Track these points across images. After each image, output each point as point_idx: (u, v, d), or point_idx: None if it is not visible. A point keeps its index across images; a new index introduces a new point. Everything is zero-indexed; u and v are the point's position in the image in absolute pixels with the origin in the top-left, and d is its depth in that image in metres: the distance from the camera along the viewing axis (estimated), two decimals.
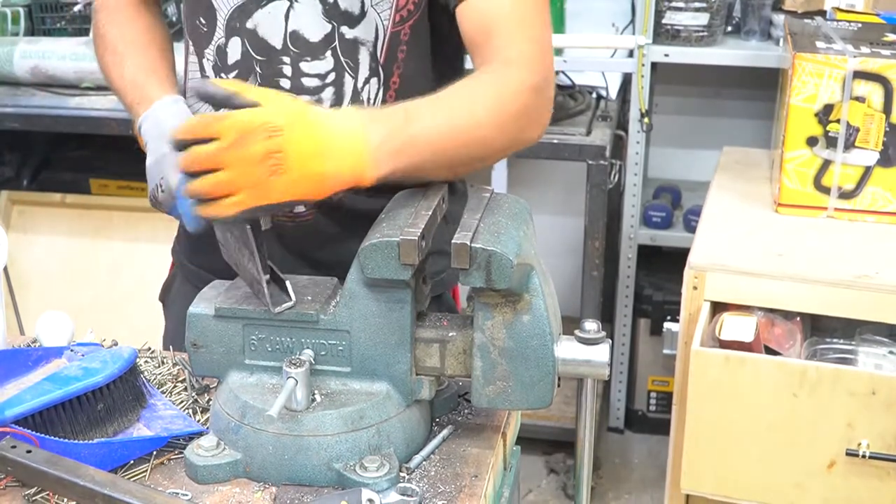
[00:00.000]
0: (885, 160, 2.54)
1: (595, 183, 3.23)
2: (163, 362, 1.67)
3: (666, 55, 3.43)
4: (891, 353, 2.34)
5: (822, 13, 3.10)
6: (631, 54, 3.44)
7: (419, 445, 1.44)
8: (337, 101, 1.67)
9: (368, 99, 1.68)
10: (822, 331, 2.43)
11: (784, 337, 2.35)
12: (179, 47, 1.81)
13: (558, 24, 3.55)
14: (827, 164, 2.55)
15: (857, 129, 2.51)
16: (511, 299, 1.36)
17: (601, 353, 1.39)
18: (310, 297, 1.43)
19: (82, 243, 3.56)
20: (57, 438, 1.37)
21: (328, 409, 1.37)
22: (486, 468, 1.42)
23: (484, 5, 1.57)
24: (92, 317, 2.83)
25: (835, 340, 2.39)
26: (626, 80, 3.60)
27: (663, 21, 3.43)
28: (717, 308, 2.40)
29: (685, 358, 2.38)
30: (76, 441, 1.40)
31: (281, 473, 1.37)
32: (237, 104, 1.35)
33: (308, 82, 1.66)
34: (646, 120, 3.46)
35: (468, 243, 1.31)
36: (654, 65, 3.45)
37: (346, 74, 1.66)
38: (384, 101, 1.68)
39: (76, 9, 3.43)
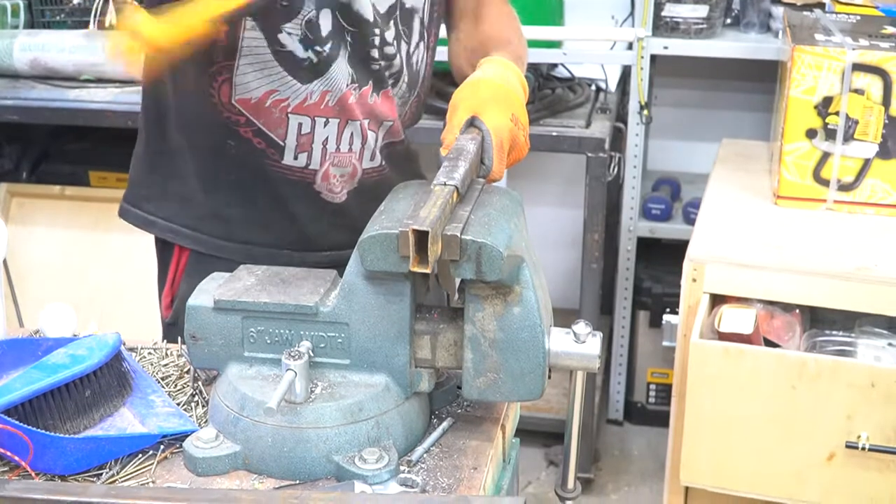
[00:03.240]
0: (884, 152, 2.54)
1: (594, 175, 3.23)
2: (167, 354, 1.67)
3: (665, 47, 3.43)
4: (890, 345, 2.34)
5: (821, 5, 3.10)
6: (630, 47, 3.43)
7: (418, 437, 1.45)
8: (400, 67, 1.81)
9: (417, 62, 1.85)
10: (821, 323, 2.43)
11: (783, 329, 2.35)
12: None
13: (558, 17, 3.55)
14: (826, 156, 2.56)
15: (857, 122, 2.51)
16: (502, 291, 1.36)
17: (591, 345, 1.40)
18: (309, 290, 1.43)
19: (81, 235, 3.55)
20: (45, 432, 1.37)
21: (327, 401, 1.38)
22: (486, 460, 1.42)
23: None
24: (91, 309, 2.83)
25: (834, 332, 2.38)
26: (626, 73, 3.59)
27: (662, 13, 3.42)
28: (717, 300, 2.40)
29: (684, 350, 2.38)
30: (64, 433, 1.40)
31: (280, 465, 1.37)
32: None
33: (388, 50, 1.78)
34: (645, 112, 3.46)
35: (458, 235, 1.31)
36: (653, 57, 3.45)
37: (403, 41, 1.80)
38: (426, 65, 1.88)
39: (75, 1, 3.43)
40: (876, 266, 2.31)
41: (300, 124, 1.77)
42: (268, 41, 1.72)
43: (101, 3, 3.29)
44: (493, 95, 1.63)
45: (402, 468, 1.39)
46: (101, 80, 3.26)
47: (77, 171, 3.76)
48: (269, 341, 1.43)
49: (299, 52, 1.73)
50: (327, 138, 1.78)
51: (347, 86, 1.76)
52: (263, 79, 1.74)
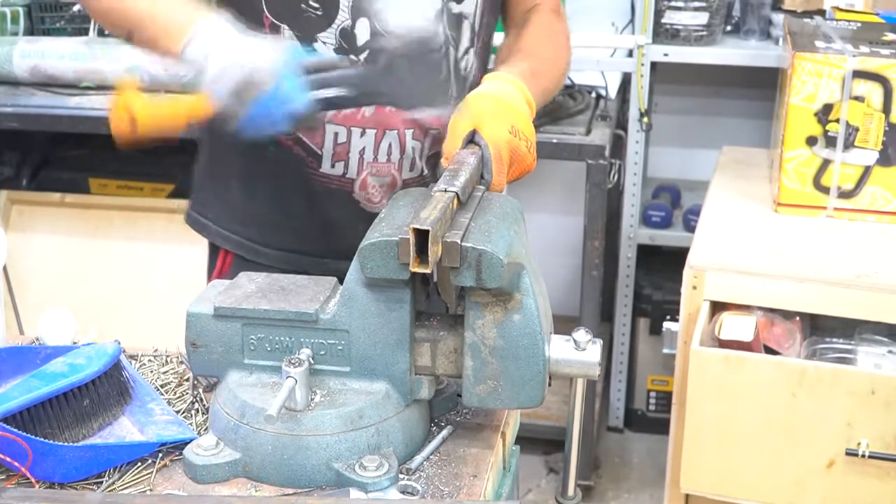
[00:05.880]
0: (884, 159, 2.54)
1: (594, 182, 3.23)
2: (167, 361, 1.67)
3: (665, 55, 3.43)
4: (890, 352, 2.33)
5: (822, 12, 3.10)
6: (630, 54, 3.44)
7: (418, 445, 1.44)
8: (447, 74, 1.79)
9: (466, 68, 1.82)
10: (821, 330, 2.43)
11: (783, 336, 2.35)
12: None
13: None
14: (826, 163, 2.56)
15: (857, 129, 2.51)
16: (502, 298, 1.36)
17: (591, 352, 1.40)
18: (309, 297, 1.43)
19: (81, 243, 3.55)
20: (44, 440, 1.37)
21: (327, 408, 1.37)
22: (486, 468, 1.42)
23: None
24: (91, 316, 2.83)
25: (834, 340, 2.38)
26: (626, 80, 3.59)
27: (663, 20, 3.42)
28: (717, 307, 2.39)
29: (685, 357, 2.38)
30: (63, 443, 1.40)
31: (280, 473, 1.37)
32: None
33: (430, 57, 1.76)
34: (645, 119, 3.46)
35: (459, 242, 1.31)
36: (653, 64, 3.45)
37: (451, 47, 1.78)
38: (476, 70, 1.85)
39: (75, 8, 3.43)
40: (876, 273, 2.31)
41: (336, 134, 1.77)
42: (300, 49, 1.72)
43: None
44: (490, 109, 1.62)
45: (401, 476, 1.38)
46: (101, 87, 3.26)
47: (77, 178, 3.76)
48: (269, 348, 1.43)
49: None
50: (364, 148, 1.78)
51: None
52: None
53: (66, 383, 1.43)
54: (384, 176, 1.80)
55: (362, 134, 1.77)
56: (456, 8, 1.77)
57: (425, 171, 1.85)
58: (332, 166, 1.79)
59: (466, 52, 1.82)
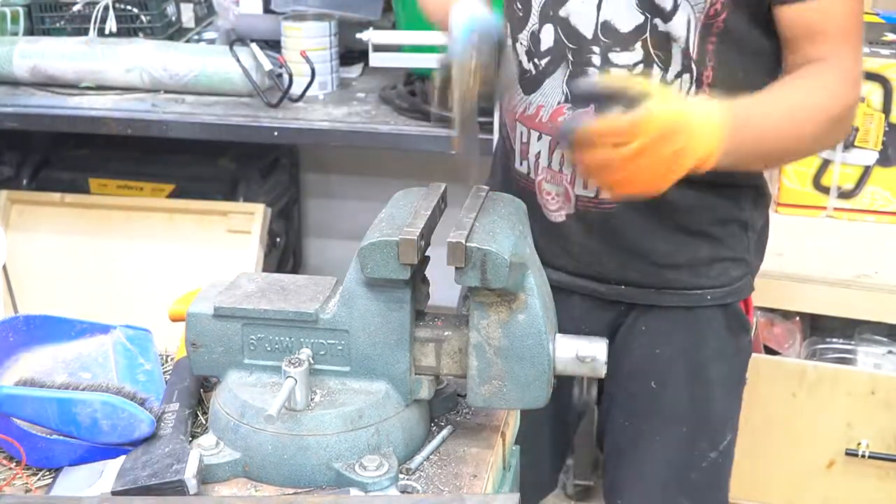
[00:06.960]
0: (884, 160, 2.54)
1: None
2: (166, 360, 1.67)
3: None
4: (890, 352, 2.34)
5: None
6: None
7: (418, 445, 1.44)
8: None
9: (682, 94, 1.68)
10: (821, 330, 2.43)
11: (783, 336, 2.36)
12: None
13: None
14: (826, 163, 2.56)
15: (857, 129, 2.52)
16: (506, 298, 1.36)
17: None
18: (309, 297, 1.43)
19: (81, 242, 3.55)
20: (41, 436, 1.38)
21: (327, 408, 1.37)
22: (486, 468, 1.42)
23: (812, 12, 1.61)
24: (91, 317, 2.83)
25: (834, 340, 2.39)
26: None
27: None
28: None
29: None
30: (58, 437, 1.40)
31: (280, 473, 1.37)
32: (630, 98, 1.43)
33: (616, 72, 1.68)
34: None
35: (463, 242, 1.31)
36: None
37: (656, 66, 1.67)
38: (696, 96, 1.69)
39: (75, 8, 3.42)
40: (876, 273, 2.31)
41: (521, 132, 1.78)
42: (513, 50, 1.76)
43: (101, 10, 3.29)
44: (679, 121, 1.44)
45: (401, 476, 1.38)
46: (101, 88, 3.26)
47: (77, 178, 3.75)
48: (269, 348, 1.43)
49: (525, 62, 1.76)
50: (539, 152, 1.77)
51: (559, 104, 1.73)
52: None
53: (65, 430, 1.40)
54: (558, 184, 1.76)
55: (539, 138, 1.76)
56: (662, 26, 1.64)
57: (601, 194, 1.73)
58: (521, 164, 1.80)
59: (679, 75, 1.66)
